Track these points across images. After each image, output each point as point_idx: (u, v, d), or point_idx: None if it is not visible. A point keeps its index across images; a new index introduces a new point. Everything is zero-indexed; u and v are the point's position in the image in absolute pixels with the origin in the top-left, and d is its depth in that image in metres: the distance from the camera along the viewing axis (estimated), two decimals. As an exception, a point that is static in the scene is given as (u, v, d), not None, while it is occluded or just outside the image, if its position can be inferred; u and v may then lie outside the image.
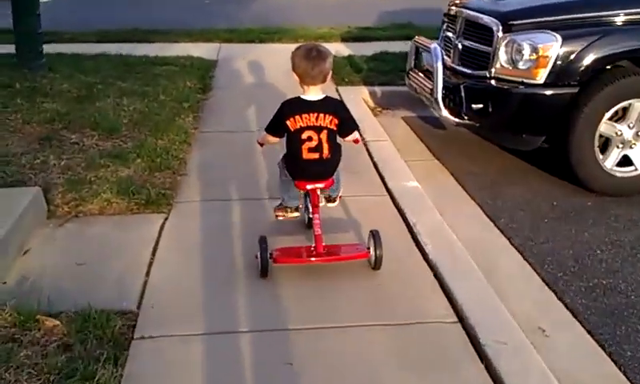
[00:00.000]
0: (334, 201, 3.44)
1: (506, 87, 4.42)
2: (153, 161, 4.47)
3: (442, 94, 4.75)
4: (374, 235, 3.11)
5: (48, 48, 8.04)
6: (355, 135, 3.22)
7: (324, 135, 2.98)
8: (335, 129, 3.02)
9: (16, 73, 6.21)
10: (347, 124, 3.10)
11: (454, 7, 5.40)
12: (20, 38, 6.41)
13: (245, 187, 4.27)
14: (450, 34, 5.34)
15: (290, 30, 10.19)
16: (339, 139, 3.14)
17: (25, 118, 5.07)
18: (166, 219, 3.79)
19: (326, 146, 3.00)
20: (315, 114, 2.95)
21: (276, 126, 3.11)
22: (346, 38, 9.86)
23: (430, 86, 4.89)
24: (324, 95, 3.04)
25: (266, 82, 7.22)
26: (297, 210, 3.42)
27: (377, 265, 3.11)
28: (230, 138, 5.30)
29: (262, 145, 3.39)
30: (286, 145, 3.13)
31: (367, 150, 5.05)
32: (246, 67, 7.98)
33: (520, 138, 4.53)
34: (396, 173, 4.51)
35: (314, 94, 3.00)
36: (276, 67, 7.31)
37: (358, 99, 6.65)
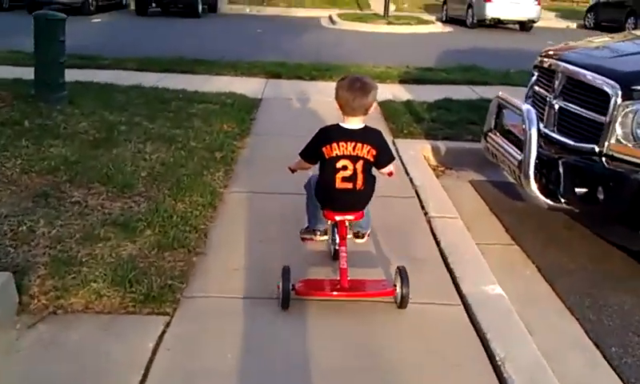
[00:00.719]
0: (363, 237, 3.35)
1: (623, 170, 3.36)
2: (166, 233, 3.56)
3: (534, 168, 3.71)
4: (401, 272, 2.98)
5: (80, 75, 7.42)
6: (390, 168, 3.10)
7: (360, 165, 2.90)
8: (372, 160, 2.93)
9: (30, 106, 5.48)
10: (385, 155, 3.01)
11: (548, 58, 4.37)
12: (39, 66, 5.68)
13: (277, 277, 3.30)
14: (542, 91, 4.31)
15: (343, 68, 9.29)
16: (374, 171, 3.03)
17: (24, 166, 4.26)
18: (168, 325, 2.86)
19: (360, 177, 2.92)
20: (353, 143, 2.88)
21: (311, 152, 3.03)
22: (405, 80, 8.90)
23: (518, 157, 3.85)
24: (363, 125, 2.94)
25: (312, 127, 6.25)
26: (325, 233, 3.35)
27: (402, 304, 2.97)
28: (264, 201, 4.37)
29: (293, 171, 3.25)
30: (319, 172, 3.04)
31: (431, 228, 4.05)
32: (293, 108, 7.09)
33: (636, 236, 3.44)
34: (470, 269, 3.47)
35: (353, 123, 2.91)
36: (325, 109, 6.40)
37: (418, 156, 5.65)
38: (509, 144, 4.14)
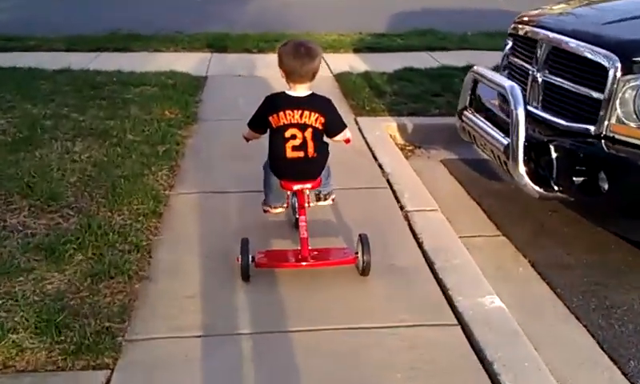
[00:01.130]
0: (326, 199, 3.24)
1: (627, 154, 2.95)
2: (100, 256, 2.99)
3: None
4: (362, 239, 2.92)
5: (5, 58, 6.62)
6: (345, 134, 3.01)
7: (309, 133, 2.82)
8: (321, 128, 2.85)
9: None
10: (334, 124, 2.93)
11: (524, 25, 3.92)
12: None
13: (241, 314, 2.78)
14: (521, 63, 3.86)
15: (293, 37, 8.65)
16: (327, 139, 2.95)
17: None
18: (109, 381, 2.32)
19: (311, 145, 2.83)
20: (300, 111, 2.80)
21: (258, 122, 2.97)
22: (360, 48, 8.34)
23: (503, 141, 3.41)
24: (310, 92, 2.86)
25: None
26: (281, 206, 3.22)
27: (365, 271, 2.92)
28: (217, 202, 3.82)
29: (247, 140, 3.17)
30: (269, 142, 2.96)
31: (410, 225, 3.58)
32: (242, 86, 6.46)
33: (643, 227, 3.06)
34: (462, 276, 3.02)
35: (300, 90, 2.83)
36: (276, 84, 5.75)
37: (384, 136, 5.16)
38: (489, 125, 3.69)
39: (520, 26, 3.97)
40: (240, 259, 2.85)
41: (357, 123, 5.36)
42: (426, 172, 4.68)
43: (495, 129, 3.57)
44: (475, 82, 3.97)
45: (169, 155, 4.32)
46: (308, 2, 13.56)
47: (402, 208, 3.77)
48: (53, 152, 4.13)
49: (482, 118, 3.79)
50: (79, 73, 6.40)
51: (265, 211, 3.25)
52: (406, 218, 3.66)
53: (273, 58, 7.17)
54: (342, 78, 6.67)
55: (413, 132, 5.42)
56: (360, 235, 2.95)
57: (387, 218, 3.67)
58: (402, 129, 5.42)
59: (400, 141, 5.37)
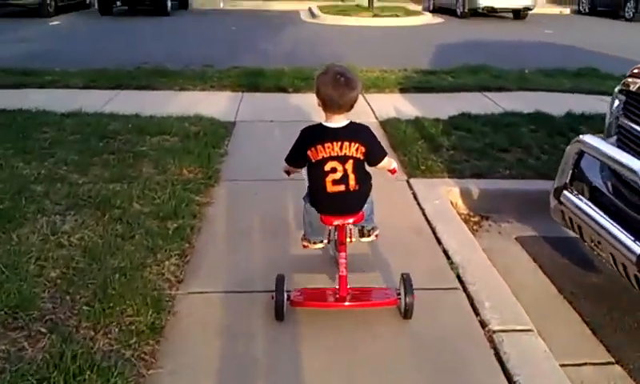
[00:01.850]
0: (369, 235, 3.07)
1: None
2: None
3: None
4: (405, 280, 2.74)
5: (7, 98, 5.90)
6: (389, 163, 2.88)
7: (350, 165, 2.67)
8: (362, 158, 2.69)
9: None
10: (375, 152, 2.78)
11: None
12: None
13: None
14: (643, 130, 2.88)
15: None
16: (369, 168, 2.79)
17: None
18: None
19: (352, 177, 2.68)
20: (339, 143, 2.65)
21: (296, 157, 2.80)
22: (406, 88, 7.42)
23: (635, 248, 2.42)
24: (348, 121, 2.71)
25: None
26: (321, 242, 3.02)
27: (407, 314, 2.73)
28: (242, 304, 2.90)
29: (288, 173, 2.97)
30: (308, 176, 2.82)
31: (496, 352, 2.61)
32: (275, 135, 5.59)
33: None
34: None
35: (337, 121, 2.68)
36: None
37: (445, 205, 4.20)
38: (607, 218, 2.70)
39: (638, 81, 2.99)
40: (275, 296, 2.71)
41: (410, 187, 4.42)
42: (500, 256, 3.70)
43: (618, 226, 2.59)
44: (580, 154, 2.99)
45: (181, 234, 3.43)
46: (345, 33, 12.73)
47: (483, 325, 2.80)
48: (35, 232, 3.27)
49: (593, 206, 2.80)
50: (91, 117, 5.61)
51: (304, 246, 3.08)
52: (491, 341, 2.68)
53: (309, 98, 6.31)
54: (389, 126, 5.75)
55: (479, 199, 4.44)
56: (402, 275, 2.80)
57: (464, 339, 2.70)
58: (465, 194, 4.45)
59: (463, 209, 4.40)
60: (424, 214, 4.01)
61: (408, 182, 4.51)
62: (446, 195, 4.37)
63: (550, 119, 5.94)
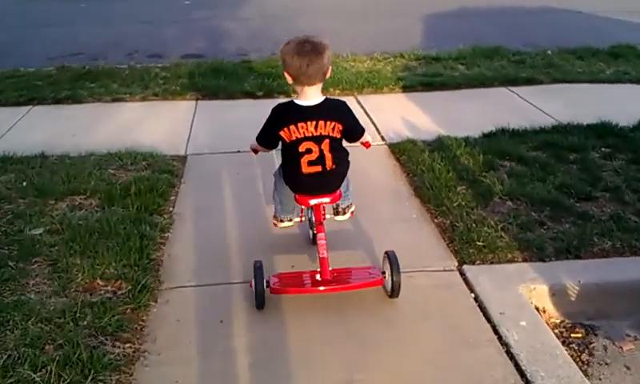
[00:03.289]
0: (345, 212, 2.84)
1: None
2: None
3: None
4: (390, 257, 2.56)
5: None
6: (365, 137, 2.70)
7: (326, 145, 2.48)
8: (339, 136, 2.52)
9: None
10: (354, 129, 2.62)
11: None
12: None
13: None
14: None
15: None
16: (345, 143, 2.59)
17: None
18: None
19: (329, 157, 2.50)
20: (314, 123, 2.45)
21: (267, 138, 2.60)
22: (411, 84, 5.63)
23: None
24: (323, 97, 2.51)
25: (287, 244, 3.12)
26: (290, 220, 2.86)
27: (394, 293, 2.55)
28: None
29: (255, 152, 2.78)
30: (282, 156, 2.61)
31: None
32: (247, 177, 3.81)
33: None
34: None
35: (311, 96, 2.48)
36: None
37: (530, 315, 2.53)
38: None
39: None
40: (253, 285, 2.47)
41: (469, 285, 2.72)
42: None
43: None
44: None
45: None
46: (316, 5, 10.78)
47: None
48: None
49: None
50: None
51: (274, 224, 2.89)
52: None
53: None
54: (403, 154, 4.03)
55: (578, 298, 2.76)
56: (387, 252, 2.59)
57: None
58: (557, 293, 2.76)
59: (556, 317, 2.73)
60: (508, 352, 2.32)
61: (461, 273, 2.82)
62: (525, 294, 2.69)
63: (621, 134, 4.28)
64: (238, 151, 4.19)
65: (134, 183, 3.50)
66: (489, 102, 5.23)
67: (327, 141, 2.46)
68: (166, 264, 2.88)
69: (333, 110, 2.50)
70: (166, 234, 3.12)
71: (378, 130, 4.56)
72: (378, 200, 3.45)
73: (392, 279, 2.54)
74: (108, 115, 4.93)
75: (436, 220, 3.24)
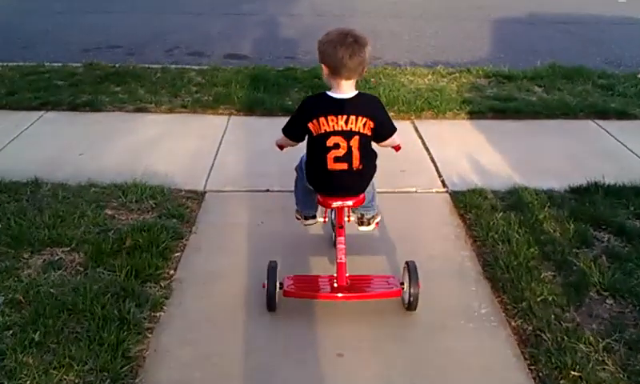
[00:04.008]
0: (369, 224, 2.71)
1: None
2: None
3: None
4: (410, 268, 2.42)
5: None
6: (394, 140, 2.49)
7: (355, 142, 2.34)
8: (370, 134, 2.36)
9: None
10: (385, 127, 2.43)
11: None
12: None
13: None
14: None
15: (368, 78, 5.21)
16: (374, 145, 2.44)
17: None
18: None
19: (356, 155, 2.36)
20: (344, 117, 2.32)
21: (295, 129, 2.46)
22: (478, 109, 4.74)
23: None
24: (356, 92, 2.37)
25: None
26: (314, 217, 2.73)
27: (411, 306, 2.42)
28: None
29: (281, 147, 2.62)
30: (307, 150, 2.47)
31: None
32: (276, 233, 3.07)
33: None
34: None
35: (345, 90, 2.34)
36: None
37: None
38: None
39: None
40: (266, 285, 2.39)
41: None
42: None
43: None
44: None
45: None
46: (374, 3, 9.85)
47: None
48: None
49: None
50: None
51: (297, 218, 2.78)
52: None
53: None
54: (473, 213, 3.17)
55: None
56: (407, 263, 2.45)
57: None
58: None
59: None
60: None
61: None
62: None
63: None
64: (267, 190, 3.45)
65: (132, 234, 2.79)
66: (573, 138, 4.30)
67: (357, 137, 2.33)
68: (149, 365, 2.14)
69: (366, 105, 2.37)
70: (158, 314, 2.39)
71: (438, 170, 3.73)
72: (433, 276, 2.63)
73: (410, 291, 2.41)
74: (126, 129, 4.25)
75: (513, 322, 2.40)
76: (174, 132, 4.24)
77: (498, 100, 4.89)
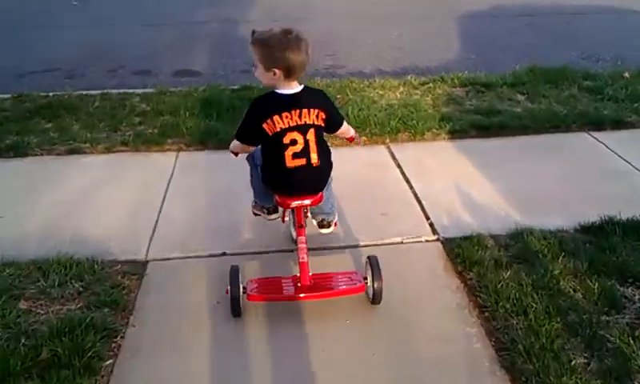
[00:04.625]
0: (329, 226, 2.69)
1: None
2: None
3: None
4: (372, 262, 2.42)
5: None
6: (347, 129, 2.57)
7: (311, 135, 2.32)
8: (323, 125, 2.37)
9: None
10: (335, 116, 2.48)
11: None
12: None
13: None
14: None
15: (334, 86, 4.63)
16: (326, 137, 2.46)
17: None
18: None
19: (314, 149, 2.33)
20: (298, 111, 2.30)
21: (249, 133, 2.40)
22: (461, 126, 4.19)
23: None
24: (302, 85, 2.37)
25: None
26: (276, 210, 2.71)
27: (375, 300, 2.42)
28: None
29: (236, 154, 2.57)
30: (262, 152, 2.43)
31: None
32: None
33: None
34: None
35: (293, 86, 2.34)
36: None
37: None
38: None
39: None
40: (229, 291, 2.30)
41: None
42: None
43: None
44: None
45: None
46: (331, 5, 9.20)
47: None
48: None
49: None
50: None
51: (255, 214, 2.78)
52: None
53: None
54: (474, 272, 2.61)
55: None
56: (369, 257, 2.46)
57: None
58: None
59: None
60: None
61: None
62: None
63: None
64: (224, 253, 2.82)
65: (49, 341, 2.13)
66: (569, 157, 3.79)
67: (312, 130, 2.32)
68: None
69: (314, 97, 2.38)
70: None
71: (424, 210, 3.15)
72: (435, 369, 2.05)
73: (373, 286, 2.39)
74: (55, 180, 3.56)
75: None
76: (112, 179, 3.56)
77: (479, 114, 4.34)
